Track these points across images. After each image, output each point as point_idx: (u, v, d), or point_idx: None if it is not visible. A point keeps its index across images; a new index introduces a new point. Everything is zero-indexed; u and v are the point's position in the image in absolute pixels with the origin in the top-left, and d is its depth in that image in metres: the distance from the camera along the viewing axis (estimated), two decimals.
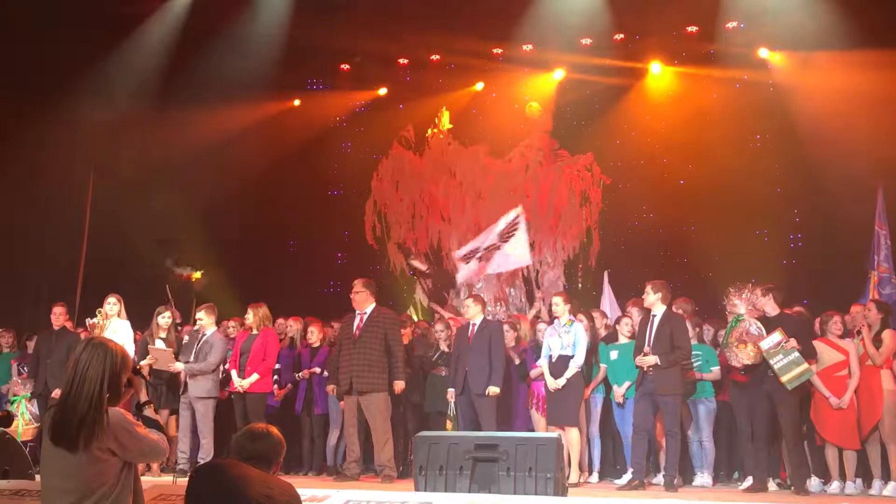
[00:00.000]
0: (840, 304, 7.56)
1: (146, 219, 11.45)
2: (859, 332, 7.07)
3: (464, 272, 10.07)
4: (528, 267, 11.56)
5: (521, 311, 11.17)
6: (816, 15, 9.70)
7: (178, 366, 7.80)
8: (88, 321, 7.91)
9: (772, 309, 6.95)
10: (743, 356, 6.81)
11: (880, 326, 7.08)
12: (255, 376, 7.79)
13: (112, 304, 8.04)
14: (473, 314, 7.86)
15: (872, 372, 6.89)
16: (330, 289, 12.65)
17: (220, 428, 8.08)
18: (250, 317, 8.04)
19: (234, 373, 7.91)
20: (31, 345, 9.55)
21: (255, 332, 7.99)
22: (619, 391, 7.66)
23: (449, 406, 7.80)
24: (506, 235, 9.71)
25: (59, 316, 8.47)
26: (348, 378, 7.43)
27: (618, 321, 8.13)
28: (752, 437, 6.99)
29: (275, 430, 3.27)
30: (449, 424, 7.71)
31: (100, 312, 7.93)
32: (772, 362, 6.63)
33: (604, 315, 8.92)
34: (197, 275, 11.82)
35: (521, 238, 9.70)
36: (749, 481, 7.24)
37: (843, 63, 9.76)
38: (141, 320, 9.21)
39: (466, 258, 9.93)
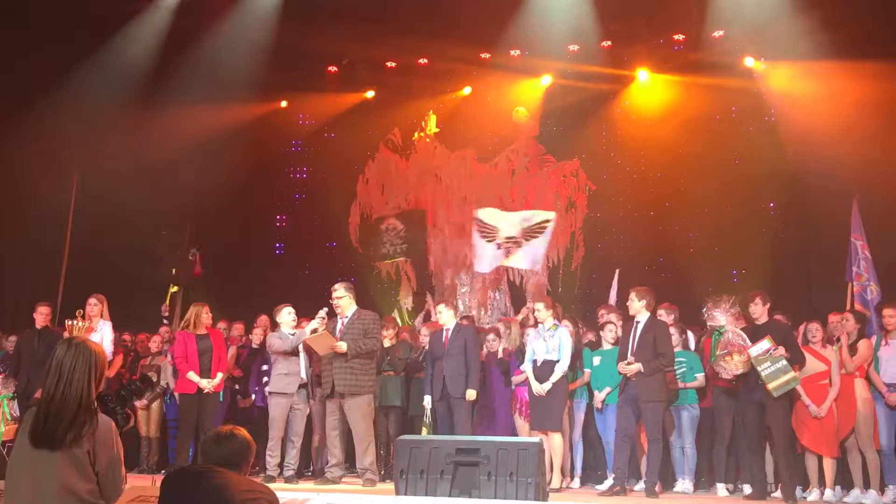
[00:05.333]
0: (819, 313, 7.62)
1: (130, 219, 11.40)
2: (838, 340, 7.16)
3: (483, 254, 9.69)
4: (514, 271, 11.62)
5: (506, 316, 11.17)
6: (802, 25, 9.77)
7: (342, 345, 7.37)
8: (67, 323, 7.84)
9: (761, 316, 7.00)
10: (731, 367, 6.86)
11: (857, 336, 7.20)
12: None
13: (93, 306, 7.99)
14: (446, 320, 7.89)
15: (847, 380, 6.98)
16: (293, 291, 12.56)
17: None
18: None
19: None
20: (9, 344, 9.49)
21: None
22: (598, 397, 7.69)
23: (425, 412, 7.81)
24: (531, 233, 9.52)
25: (43, 315, 8.38)
26: (330, 381, 7.42)
27: (602, 327, 8.16)
28: (747, 446, 7.05)
29: (240, 431, 3.23)
30: (424, 431, 7.72)
31: (80, 314, 7.87)
32: (759, 369, 6.68)
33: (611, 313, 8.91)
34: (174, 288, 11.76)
35: (542, 242, 9.52)
36: (722, 488, 7.34)
37: (827, 73, 9.86)
38: (125, 320, 9.19)
39: (484, 234, 9.62)
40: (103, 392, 3.32)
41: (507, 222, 9.48)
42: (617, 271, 10.29)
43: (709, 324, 7.32)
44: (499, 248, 9.40)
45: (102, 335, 7.97)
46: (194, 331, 7.89)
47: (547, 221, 9.37)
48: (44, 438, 2.96)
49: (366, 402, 7.45)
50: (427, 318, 10.76)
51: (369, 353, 7.55)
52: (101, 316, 8.06)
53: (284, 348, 7.70)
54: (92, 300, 8.02)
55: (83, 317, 7.83)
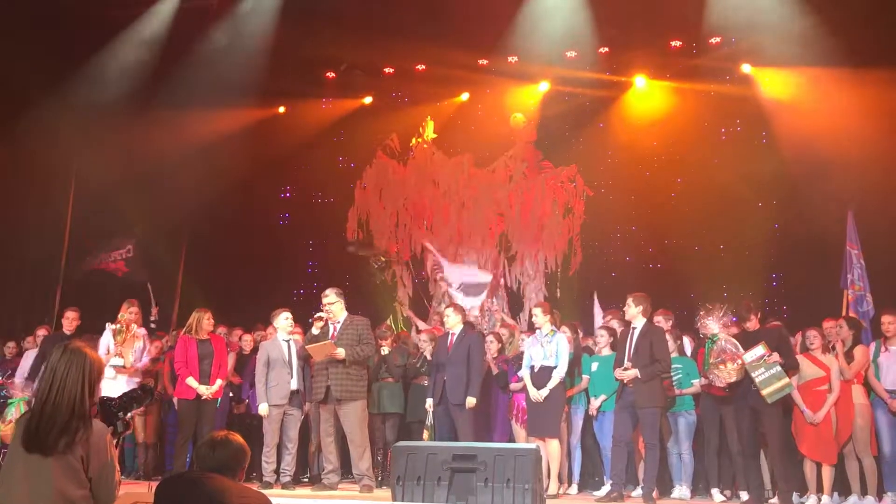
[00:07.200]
0: (815, 320, 7.64)
1: (129, 224, 11.40)
2: (833, 348, 7.17)
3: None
4: (513, 277, 11.68)
5: (505, 321, 11.17)
6: (800, 32, 9.78)
7: (341, 352, 7.37)
8: (112, 328, 7.85)
9: (752, 324, 7.03)
10: (725, 375, 6.88)
11: (852, 342, 7.21)
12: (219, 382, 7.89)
13: (133, 313, 8.01)
14: (453, 324, 7.86)
15: (845, 387, 6.99)
16: (296, 297, 12.57)
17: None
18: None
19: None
20: (8, 351, 9.47)
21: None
22: (594, 403, 7.69)
23: (427, 416, 7.80)
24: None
25: (70, 321, 8.38)
26: (324, 386, 7.40)
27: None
28: (741, 452, 7.07)
29: (235, 436, 3.22)
30: (426, 434, 7.71)
31: (121, 319, 7.87)
32: (753, 375, 6.71)
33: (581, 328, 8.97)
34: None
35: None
36: (718, 494, 7.33)
37: (825, 80, 9.86)
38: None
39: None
40: (106, 397, 3.31)
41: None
42: (595, 294, 10.32)
43: (701, 332, 7.34)
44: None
45: (144, 342, 8.01)
46: (195, 336, 7.89)
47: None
48: (36, 443, 2.95)
49: (360, 407, 7.44)
50: (417, 331, 10.76)
51: (365, 359, 7.57)
52: (136, 322, 8.08)
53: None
54: (133, 308, 8.04)
55: (126, 322, 7.85)
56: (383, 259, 12.07)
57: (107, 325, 7.95)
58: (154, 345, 9.20)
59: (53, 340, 8.35)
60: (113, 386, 7.50)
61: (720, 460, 7.56)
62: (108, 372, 7.66)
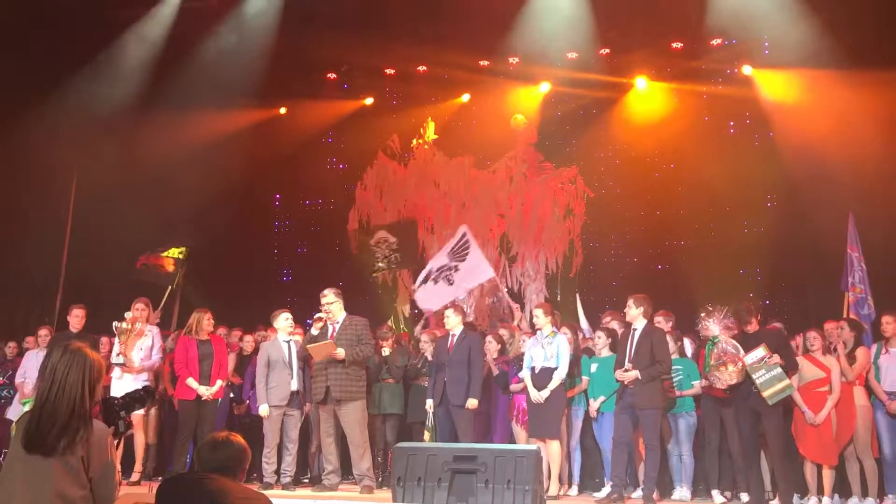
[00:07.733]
0: (816, 321, 7.64)
1: (129, 225, 11.38)
2: (834, 349, 7.18)
3: (425, 296, 10.16)
4: (513, 278, 11.68)
5: (505, 322, 11.16)
6: (801, 34, 9.79)
7: (340, 352, 7.36)
8: (116, 325, 7.82)
9: (752, 326, 7.04)
10: (726, 377, 6.88)
11: (854, 344, 7.22)
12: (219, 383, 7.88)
13: (141, 311, 7.97)
14: (453, 325, 7.86)
15: (846, 388, 6.99)
16: (296, 298, 12.54)
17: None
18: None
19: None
20: (8, 350, 9.46)
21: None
22: (593, 405, 7.68)
23: (427, 417, 7.80)
24: (459, 255, 10.08)
25: (79, 318, 8.24)
26: (324, 386, 7.40)
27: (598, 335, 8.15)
28: (742, 454, 7.08)
29: (236, 437, 3.22)
30: (427, 435, 7.71)
31: (127, 318, 7.84)
32: (754, 377, 6.72)
33: (580, 329, 8.97)
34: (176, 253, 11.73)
35: (476, 254, 10.09)
36: (718, 496, 7.33)
37: (826, 82, 9.87)
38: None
39: (423, 284, 10.31)
40: (109, 396, 3.30)
41: (433, 263, 10.34)
42: (577, 295, 10.32)
43: (702, 334, 7.34)
44: (436, 282, 10.07)
45: (153, 340, 7.98)
46: (196, 336, 7.88)
47: (465, 236, 10.17)
48: (36, 444, 2.94)
49: (360, 407, 7.44)
50: (426, 325, 10.76)
51: (364, 359, 7.56)
52: (147, 320, 8.04)
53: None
54: (139, 304, 7.98)
55: (131, 321, 7.81)
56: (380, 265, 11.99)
57: (113, 323, 7.92)
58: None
59: (61, 339, 8.33)
60: (119, 385, 7.52)
61: (721, 462, 7.55)
62: (115, 371, 7.68)
